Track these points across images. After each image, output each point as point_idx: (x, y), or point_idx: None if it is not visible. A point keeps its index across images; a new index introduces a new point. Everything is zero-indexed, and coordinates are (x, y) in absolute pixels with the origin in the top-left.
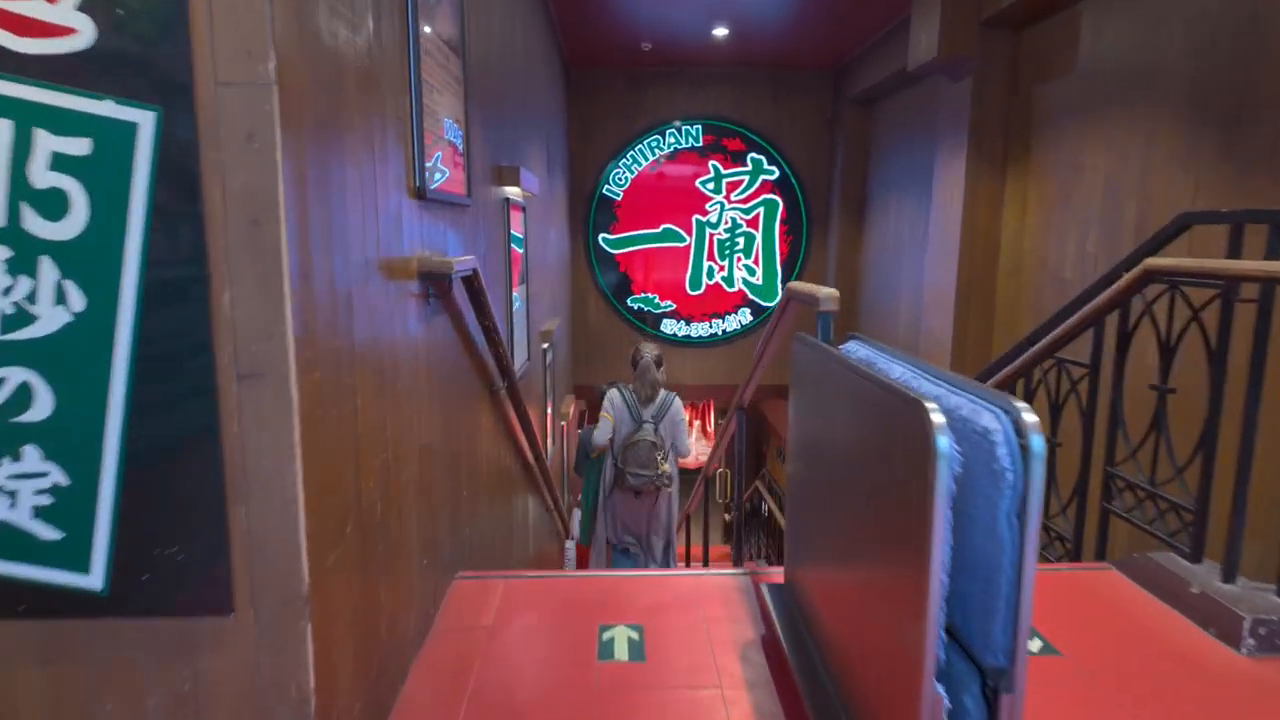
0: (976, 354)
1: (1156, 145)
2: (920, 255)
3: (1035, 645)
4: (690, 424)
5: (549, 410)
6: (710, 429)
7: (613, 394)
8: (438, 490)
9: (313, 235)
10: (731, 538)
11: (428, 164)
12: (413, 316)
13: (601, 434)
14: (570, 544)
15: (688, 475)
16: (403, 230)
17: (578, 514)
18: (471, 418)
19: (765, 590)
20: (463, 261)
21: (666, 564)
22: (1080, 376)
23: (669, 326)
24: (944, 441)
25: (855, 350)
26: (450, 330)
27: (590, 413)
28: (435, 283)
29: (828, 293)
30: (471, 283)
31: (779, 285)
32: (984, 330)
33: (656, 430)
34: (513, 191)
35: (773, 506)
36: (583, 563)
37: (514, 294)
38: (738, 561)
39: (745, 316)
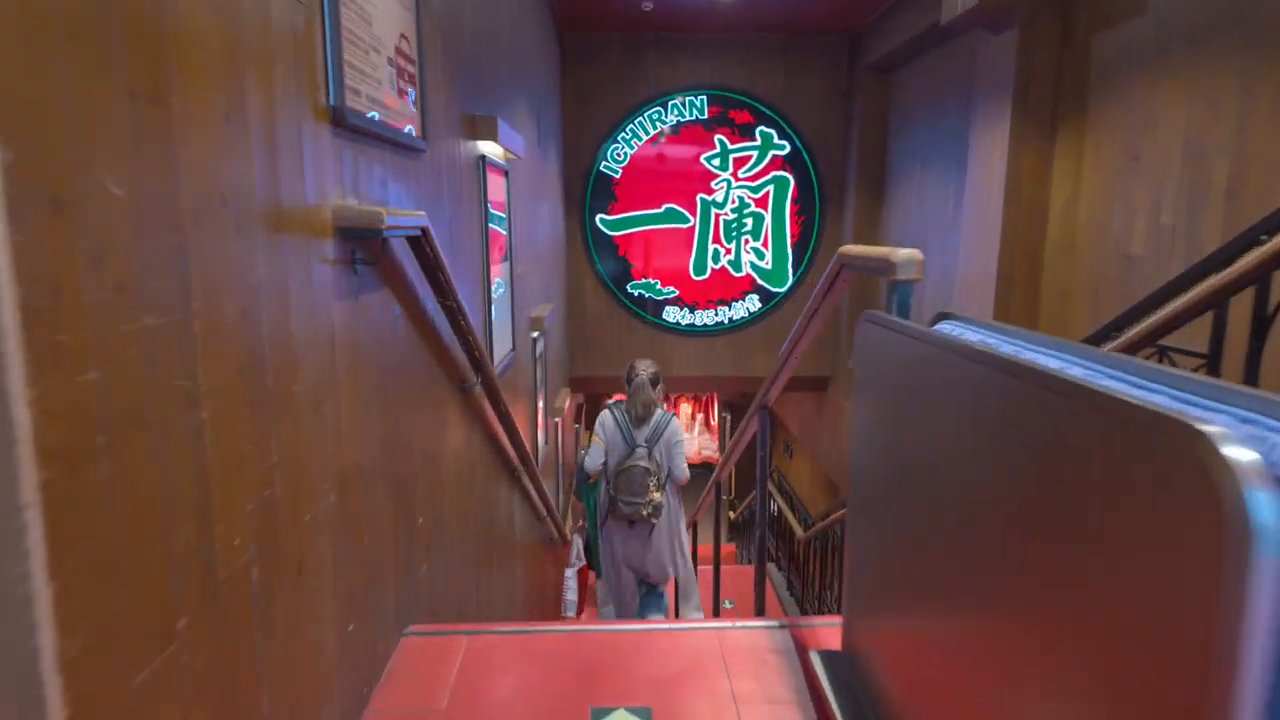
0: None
1: (1256, 95)
2: (950, 234)
3: None
4: (693, 417)
5: (540, 405)
6: (714, 422)
7: (604, 415)
8: (376, 524)
9: (70, 139)
10: (737, 535)
11: (350, 79)
12: (326, 290)
13: (592, 459)
14: (570, 572)
15: (698, 472)
16: (305, 166)
17: (578, 540)
18: (433, 424)
19: (818, 662)
20: (403, 216)
21: (676, 603)
22: (1195, 367)
23: (671, 314)
24: (1267, 508)
25: (959, 334)
26: (391, 312)
27: (588, 407)
28: (363, 244)
29: (906, 255)
30: (421, 248)
31: (789, 269)
32: (1028, 317)
33: (650, 454)
34: (490, 149)
35: (783, 506)
36: (585, 589)
37: (494, 273)
38: (758, 566)
39: (753, 303)
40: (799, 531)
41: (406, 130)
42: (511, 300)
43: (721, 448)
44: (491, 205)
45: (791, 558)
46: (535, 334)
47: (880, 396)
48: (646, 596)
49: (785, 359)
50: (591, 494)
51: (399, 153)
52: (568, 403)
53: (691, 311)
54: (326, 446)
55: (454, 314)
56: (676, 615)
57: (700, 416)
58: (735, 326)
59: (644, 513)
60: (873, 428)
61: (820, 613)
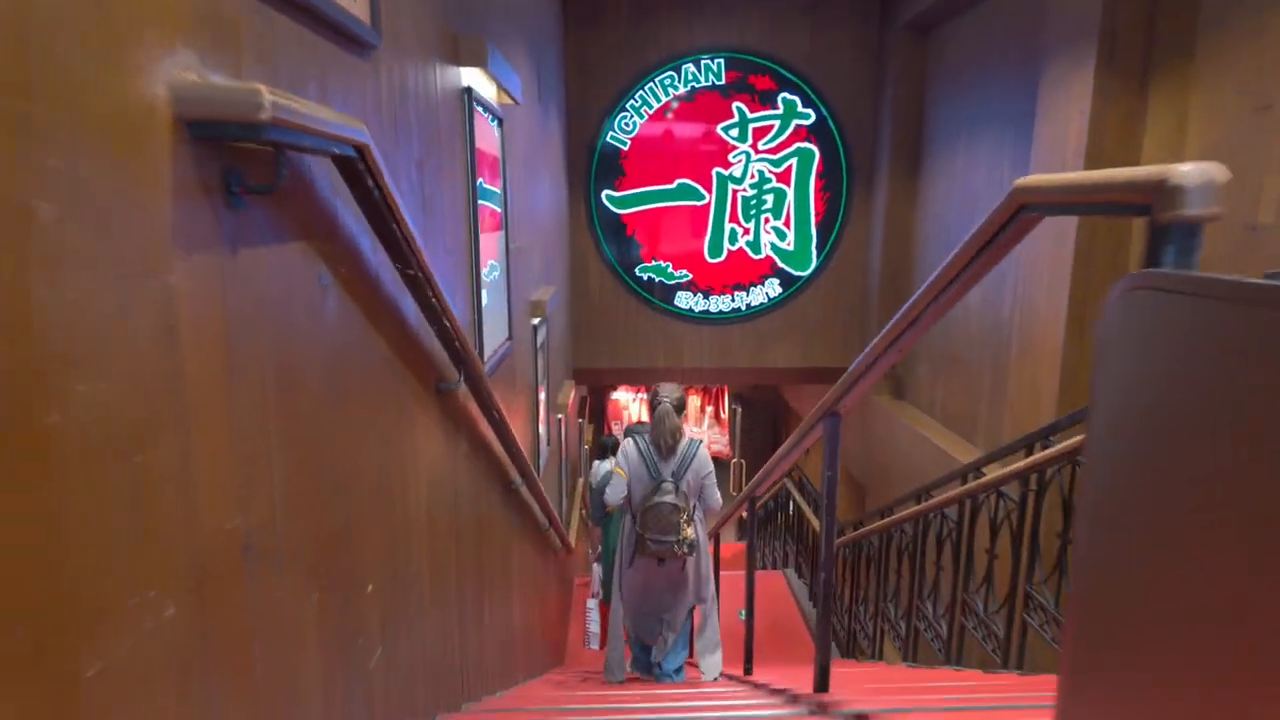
0: None
1: None
2: None
3: None
4: (701, 409)
5: (541, 400)
6: (723, 415)
7: (627, 444)
8: (276, 624)
9: None
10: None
11: None
12: (159, 234)
13: (614, 492)
14: (592, 603)
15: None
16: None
17: (597, 569)
18: (390, 444)
19: None
20: (317, 116)
21: (697, 645)
22: None
23: (683, 300)
24: None
25: None
26: (314, 279)
27: (592, 400)
28: (243, 161)
29: (1198, 174)
30: (358, 178)
31: (813, 251)
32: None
33: (678, 489)
34: (479, 82)
35: (804, 507)
36: (606, 620)
37: (486, 244)
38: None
39: (773, 288)
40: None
41: (347, 9)
42: (508, 279)
43: (732, 441)
44: (482, 159)
45: (815, 566)
46: (536, 320)
47: (1166, 388)
48: (665, 635)
49: (885, 348)
50: (610, 527)
51: (336, 42)
52: (571, 396)
53: (706, 297)
54: (158, 518)
55: (420, 286)
56: (691, 653)
57: (710, 409)
58: (753, 314)
59: (677, 551)
60: (1150, 432)
61: (851, 635)
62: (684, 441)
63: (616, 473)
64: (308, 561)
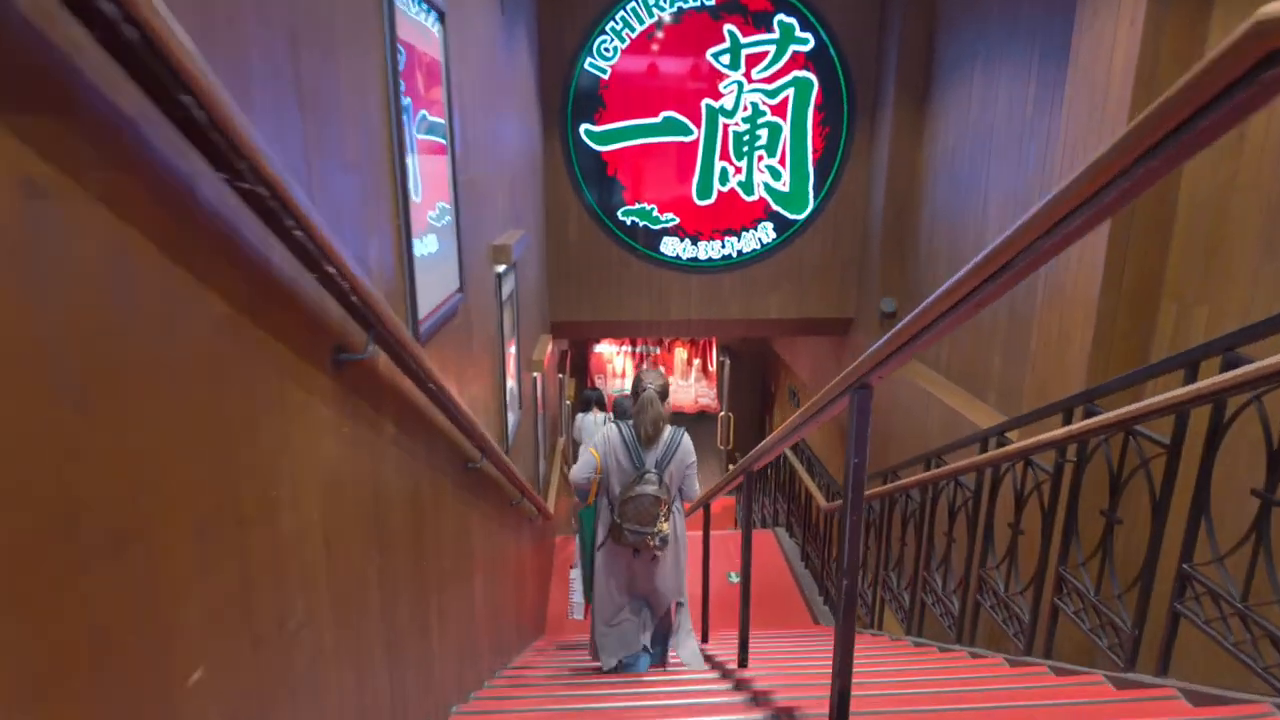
0: (1142, 308)
1: None
2: (1026, 142)
3: None
4: (689, 362)
5: (511, 354)
6: (711, 368)
7: (609, 430)
8: None
9: None
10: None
11: None
12: None
13: (578, 470)
14: (575, 573)
15: (691, 421)
16: None
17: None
18: (248, 446)
19: None
20: None
21: (670, 635)
22: None
23: (670, 246)
24: None
25: None
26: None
27: (574, 352)
28: None
29: None
30: None
31: (810, 192)
32: (1155, 268)
33: (661, 480)
34: None
35: (795, 464)
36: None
37: (431, 185)
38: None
39: (767, 233)
40: (821, 500)
41: None
42: (458, 219)
43: (720, 395)
44: (412, 59)
45: (808, 525)
46: (500, 268)
47: None
48: (647, 621)
49: (964, 296)
50: (588, 519)
51: None
52: (548, 351)
53: (694, 243)
54: None
55: (273, 213)
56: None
57: (697, 362)
58: (745, 261)
59: (651, 543)
60: None
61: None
62: (667, 430)
63: (588, 452)
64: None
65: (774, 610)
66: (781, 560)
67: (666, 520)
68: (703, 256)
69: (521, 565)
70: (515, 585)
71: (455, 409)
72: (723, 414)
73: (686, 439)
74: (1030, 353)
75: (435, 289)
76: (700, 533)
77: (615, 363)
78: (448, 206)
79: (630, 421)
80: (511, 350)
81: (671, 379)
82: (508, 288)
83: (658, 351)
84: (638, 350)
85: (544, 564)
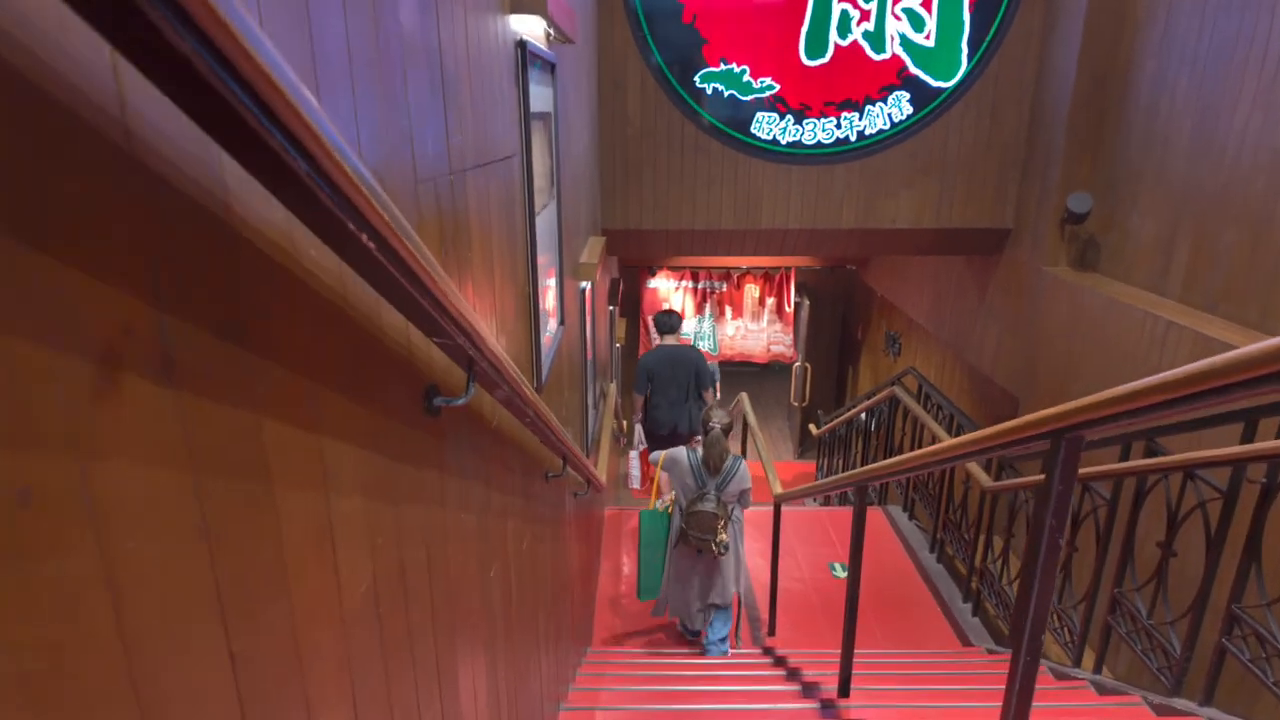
0: None
1: None
2: None
3: None
4: (760, 301)
5: (550, 270)
6: (787, 308)
7: (678, 453)
8: None
9: None
10: (813, 451)
11: None
12: None
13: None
14: (634, 454)
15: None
16: None
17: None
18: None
19: None
20: None
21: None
22: None
23: (765, 125)
24: None
25: None
26: None
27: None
28: None
29: None
30: None
31: (963, 50)
32: None
33: (719, 500)
34: None
35: (923, 417)
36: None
37: None
38: None
39: (900, 106)
40: (984, 479)
41: None
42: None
43: (796, 340)
44: None
45: (943, 502)
46: (540, 106)
47: None
48: (706, 611)
49: None
50: (661, 517)
51: None
52: (599, 259)
53: (798, 120)
54: None
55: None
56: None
57: (771, 301)
58: (868, 146)
59: (714, 549)
60: None
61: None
62: (729, 460)
63: (661, 474)
64: None
65: (895, 620)
66: (900, 549)
67: (725, 531)
68: (809, 139)
69: (586, 551)
70: (581, 572)
71: (550, 431)
72: (798, 364)
73: (744, 467)
74: None
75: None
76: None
77: (673, 300)
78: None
79: (699, 450)
80: (551, 268)
81: (739, 322)
82: (539, 142)
83: (724, 288)
84: (699, 286)
85: (594, 552)
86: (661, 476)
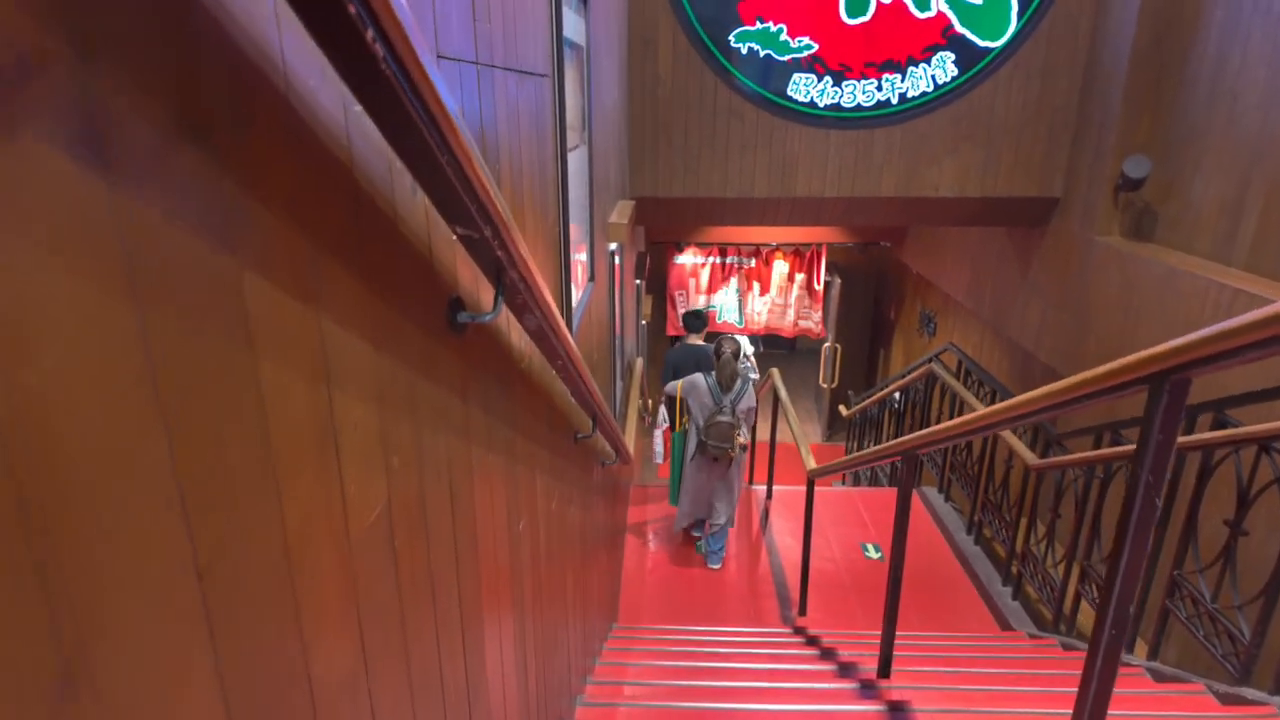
0: None
1: None
2: None
3: None
4: (790, 278)
5: (569, 217)
6: (817, 286)
7: (697, 378)
8: None
9: None
10: (841, 434)
11: None
12: None
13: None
14: (657, 434)
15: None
16: None
17: (663, 410)
18: None
19: None
20: None
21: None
22: None
23: (802, 87)
24: None
25: None
26: None
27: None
28: None
29: None
30: None
31: (1013, 6)
32: None
33: (734, 413)
34: None
35: (962, 393)
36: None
37: None
38: None
39: (944, 68)
40: (1028, 457)
41: None
42: None
43: (825, 319)
44: None
45: (980, 481)
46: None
47: None
48: (714, 518)
49: None
50: (679, 440)
51: None
52: (628, 221)
53: (837, 82)
54: None
55: None
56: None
57: (800, 277)
58: (910, 109)
59: (730, 452)
60: None
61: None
62: (739, 381)
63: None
64: None
65: (931, 603)
66: (935, 531)
67: (740, 435)
68: (848, 102)
69: (613, 524)
70: (607, 544)
71: (582, 381)
72: (828, 344)
73: (751, 389)
74: None
75: None
76: None
77: (701, 277)
78: None
79: (714, 373)
80: (585, 228)
81: (766, 298)
82: (569, 57)
83: (752, 264)
84: (728, 262)
85: (620, 512)
86: (679, 392)
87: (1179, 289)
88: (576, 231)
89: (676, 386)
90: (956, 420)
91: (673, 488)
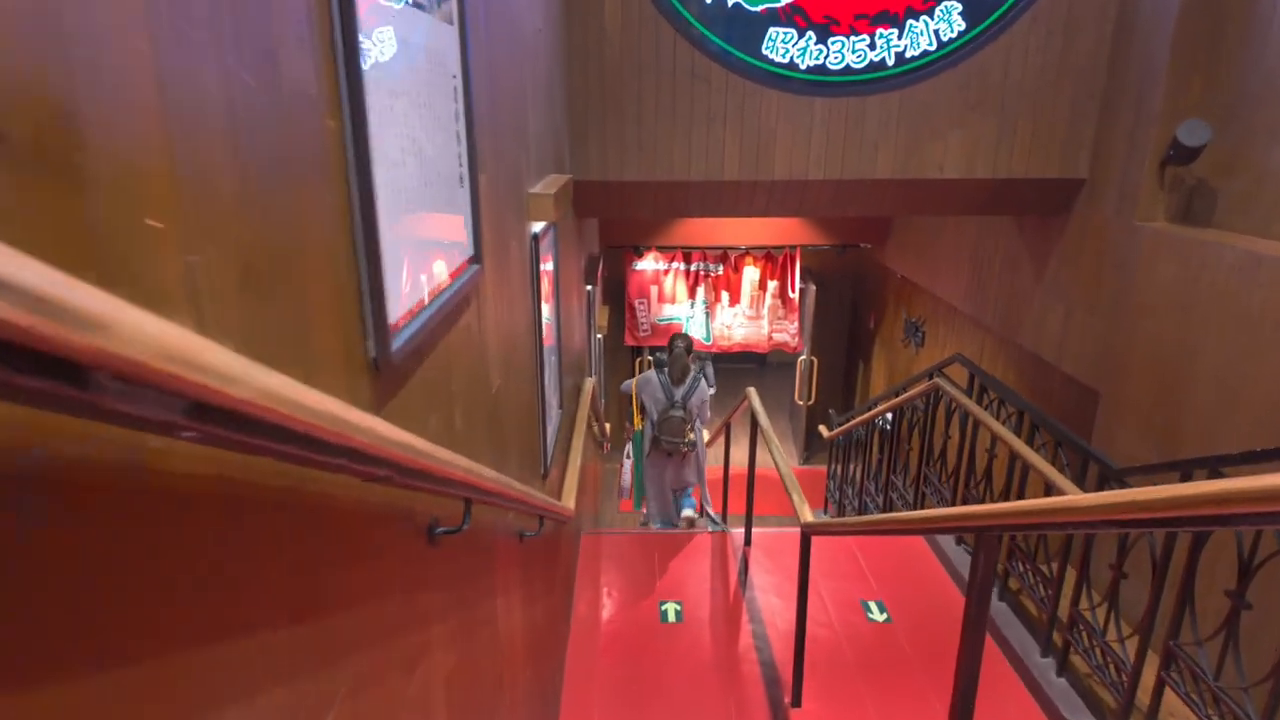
0: None
1: None
2: None
3: None
4: (761, 286)
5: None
6: (791, 295)
7: (650, 374)
8: None
9: None
10: (820, 455)
11: None
12: None
13: (625, 387)
14: (627, 465)
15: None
16: None
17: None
18: None
19: None
20: None
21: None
22: None
23: (779, 45)
24: None
25: None
26: None
27: (607, 267)
28: None
29: None
30: None
31: None
32: None
33: (685, 407)
34: None
35: (980, 415)
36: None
37: None
38: None
39: (950, 21)
40: (1064, 483)
41: None
42: None
43: (801, 330)
44: None
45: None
46: None
47: None
48: (678, 498)
49: None
50: (638, 435)
51: None
52: (556, 194)
53: (823, 38)
54: None
55: None
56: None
57: (773, 285)
58: (909, 73)
59: (682, 448)
60: None
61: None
62: (690, 376)
63: (633, 385)
64: None
65: (938, 657)
66: (950, 585)
67: (691, 431)
68: (835, 63)
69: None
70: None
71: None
72: (803, 357)
73: (703, 384)
74: None
75: None
76: None
77: (665, 284)
78: None
79: (665, 369)
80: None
81: (736, 309)
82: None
83: (719, 271)
84: (693, 269)
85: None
86: (634, 390)
87: (1263, 280)
88: (413, 168)
89: (632, 384)
90: (1106, 497)
91: (637, 486)
